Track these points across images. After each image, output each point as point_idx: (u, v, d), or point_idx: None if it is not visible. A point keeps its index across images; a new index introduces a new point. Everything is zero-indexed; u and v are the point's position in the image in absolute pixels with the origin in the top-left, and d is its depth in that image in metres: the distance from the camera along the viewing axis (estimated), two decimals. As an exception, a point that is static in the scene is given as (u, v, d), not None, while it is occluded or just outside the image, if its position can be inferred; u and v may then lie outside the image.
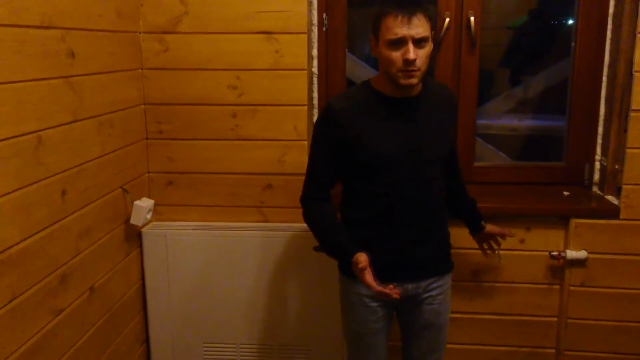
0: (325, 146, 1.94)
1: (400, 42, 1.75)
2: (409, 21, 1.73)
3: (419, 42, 1.75)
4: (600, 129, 2.53)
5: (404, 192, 1.90)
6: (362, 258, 1.82)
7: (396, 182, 1.89)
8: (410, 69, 1.76)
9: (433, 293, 2.00)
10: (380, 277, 1.94)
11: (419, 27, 1.74)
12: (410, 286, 1.98)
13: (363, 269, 1.81)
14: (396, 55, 1.76)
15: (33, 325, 1.78)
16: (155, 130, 2.52)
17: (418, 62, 1.76)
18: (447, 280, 2.05)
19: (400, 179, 1.89)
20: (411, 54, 1.74)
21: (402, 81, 1.79)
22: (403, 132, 1.88)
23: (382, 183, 1.90)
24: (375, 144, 1.87)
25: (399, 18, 1.74)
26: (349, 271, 2.00)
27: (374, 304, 1.99)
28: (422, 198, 1.92)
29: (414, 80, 1.79)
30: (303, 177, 2.48)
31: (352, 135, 1.87)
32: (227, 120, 2.48)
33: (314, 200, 1.99)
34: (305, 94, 2.44)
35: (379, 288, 1.78)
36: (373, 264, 1.92)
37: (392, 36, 1.75)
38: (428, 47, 1.79)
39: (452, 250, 2.11)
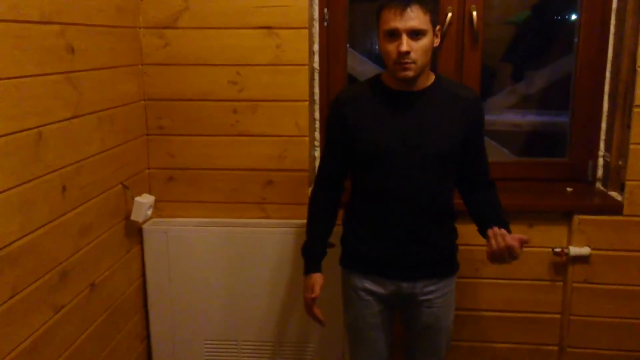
0: (331, 135, 2.01)
1: (394, 35, 1.76)
2: (402, 13, 1.74)
3: (415, 35, 1.75)
4: (603, 125, 2.53)
5: (398, 187, 1.89)
6: (316, 287, 2.00)
7: (391, 175, 1.89)
8: (404, 61, 1.76)
9: (431, 296, 1.99)
10: (375, 271, 1.99)
11: (413, 19, 1.74)
12: (405, 285, 1.97)
13: (310, 301, 2.02)
14: (391, 47, 1.78)
15: (33, 322, 1.78)
16: (156, 126, 2.51)
17: (413, 55, 1.76)
18: (448, 284, 2.02)
19: (396, 172, 1.88)
20: (403, 46, 1.74)
21: (398, 74, 1.80)
22: (401, 125, 1.87)
23: (378, 175, 1.90)
24: (372, 134, 1.89)
25: (393, 10, 1.75)
26: (346, 263, 2.07)
27: (369, 298, 2.01)
28: (417, 195, 1.89)
29: (410, 73, 1.79)
30: (304, 173, 2.49)
31: (352, 124, 1.91)
32: (228, 116, 2.47)
33: (318, 190, 2.08)
34: (306, 89, 2.43)
35: (315, 313, 2.03)
36: (368, 256, 1.97)
37: (386, 28, 1.77)
38: (425, 40, 1.77)
39: (454, 247, 2.09)
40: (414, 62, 1.77)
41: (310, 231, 2.08)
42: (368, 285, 2.00)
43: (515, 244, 1.77)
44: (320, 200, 2.07)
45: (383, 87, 1.92)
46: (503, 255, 1.79)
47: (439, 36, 1.85)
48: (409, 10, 1.73)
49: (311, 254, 2.06)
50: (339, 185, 2.06)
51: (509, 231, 1.86)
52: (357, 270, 2.02)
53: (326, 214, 2.07)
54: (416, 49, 1.76)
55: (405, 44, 1.74)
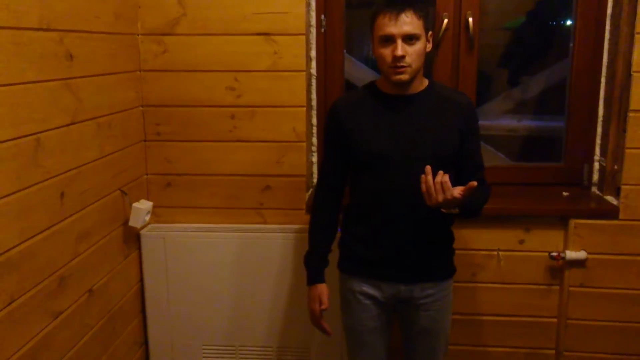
0: (329, 143, 2.04)
1: (389, 40, 1.81)
2: (397, 18, 1.78)
3: (409, 39, 1.80)
4: (599, 130, 2.53)
5: (393, 189, 1.90)
6: (324, 299, 2.03)
7: (386, 177, 1.90)
8: (399, 64, 1.81)
9: (428, 300, 2.00)
10: (373, 274, 2.00)
11: (408, 24, 1.79)
12: (402, 287, 1.98)
13: (317, 313, 2.05)
14: (386, 52, 1.82)
15: (31, 328, 1.77)
16: (154, 132, 2.51)
17: (408, 59, 1.81)
18: (445, 287, 2.03)
19: (390, 174, 1.90)
20: (398, 50, 1.79)
21: (393, 77, 1.84)
22: (395, 128, 1.90)
23: (373, 178, 1.93)
24: (366, 137, 1.92)
25: (387, 16, 1.79)
26: (344, 266, 2.07)
27: (368, 302, 2.01)
28: (412, 198, 1.84)
29: (405, 77, 1.83)
30: (302, 179, 2.50)
31: (348, 129, 1.94)
32: (226, 121, 2.48)
33: (319, 198, 2.08)
34: (303, 95, 2.44)
35: (323, 325, 2.07)
36: (366, 260, 1.98)
37: (381, 33, 1.81)
38: (419, 44, 1.82)
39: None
40: (409, 65, 1.81)
41: (313, 240, 2.09)
42: (366, 288, 2.00)
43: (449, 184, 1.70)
44: (321, 209, 2.08)
45: (377, 92, 1.95)
46: (434, 191, 1.71)
47: (431, 41, 1.89)
48: (403, 15, 1.78)
49: (314, 264, 2.06)
50: (340, 192, 2.07)
51: (470, 197, 1.74)
52: (356, 274, 2.03)
53: (328, 222, 2.08)
54: (411, 53, 1.80)
55: (400, 48, 1.79)
